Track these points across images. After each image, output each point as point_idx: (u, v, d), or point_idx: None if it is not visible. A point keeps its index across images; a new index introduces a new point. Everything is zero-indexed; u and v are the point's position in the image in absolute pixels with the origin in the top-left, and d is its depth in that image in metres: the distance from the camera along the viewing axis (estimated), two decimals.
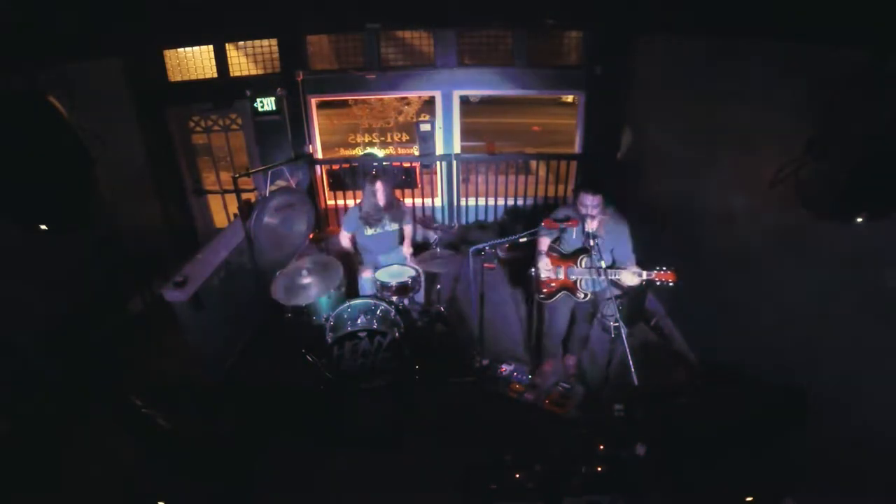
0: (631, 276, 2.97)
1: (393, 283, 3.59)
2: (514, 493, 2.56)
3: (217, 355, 3.84)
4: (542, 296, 3.41)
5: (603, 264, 2.92)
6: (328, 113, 7.16)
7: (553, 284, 3.33)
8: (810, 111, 1.79)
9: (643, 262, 3.08)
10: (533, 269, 3.43)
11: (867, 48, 1.64)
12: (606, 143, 5.60)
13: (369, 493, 2.84)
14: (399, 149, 6.92)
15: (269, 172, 4.08)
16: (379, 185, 3.78)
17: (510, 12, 5.07)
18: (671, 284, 2.94)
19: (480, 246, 3.26)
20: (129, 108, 5.20)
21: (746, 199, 3.11)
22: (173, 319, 3.50)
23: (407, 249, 4.09)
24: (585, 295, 3.29)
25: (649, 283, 2.99)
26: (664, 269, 2.94)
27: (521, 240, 3.27)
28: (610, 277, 2.99)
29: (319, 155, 6.21)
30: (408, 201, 5.92)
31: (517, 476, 2.59)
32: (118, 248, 4.60)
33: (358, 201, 3.99)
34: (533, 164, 8.04)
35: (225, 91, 5.62)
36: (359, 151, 6.90)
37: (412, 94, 6.25)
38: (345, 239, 4.01)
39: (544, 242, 3.37)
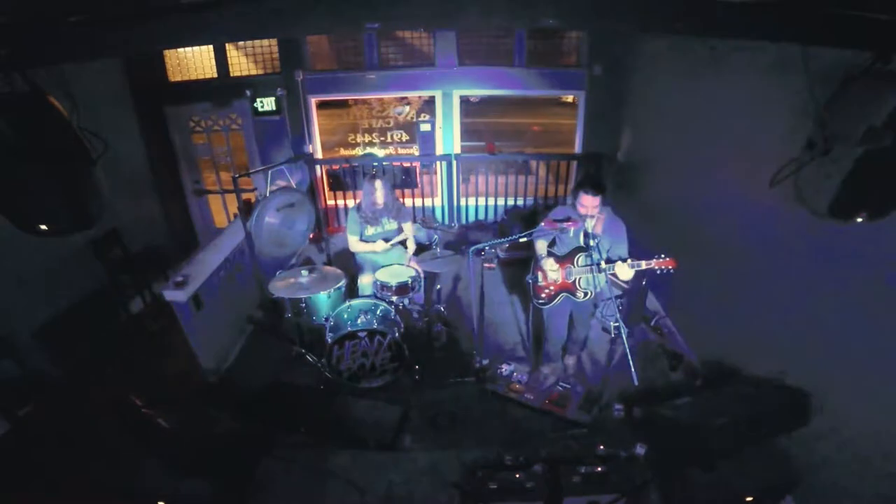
0: (626, 270, 2.93)
1: (393, 283, 3.58)
2: (514, 493, 2.56)
3: (217, 355, 3.84)
4: (541, 301, 3.38)
5: (603, 264, 2.93)
6: (328, 113, 7.16)
7: (552, 288, 3.29)
8: (809, 111, 1.79)
9: (642, 256, 3.07)
10: (530, 277, 3.40)
11: (868, 49, 1.64)
12: (606, 143, 5.60)
13: (369, 492, 2.83)
14: (399, 149, 6.90)
15: (269, 172, 4.08)
16: (377, 185, 3.77)
17: (511, 12, 5.06)
18: (671, 271, 2.91)
19: (480, 246, 3.25)
20: (129, 108, 5.20)
21: (746, 198, 3.11)
22: (173, 319, 3.50)
23: (410, 248, 4.08)
24: (586, 294, 3.25)
25: (650, 271, 2.96)
26: (663, 256, 2.92)
27: (522, 239, 3.26)
28: (608, 272, 2.98)
29: (319, 155, 6.21)
30: (408, 201, 5.91)
31: (517, 476, 2.59)
32: (118, 248, 4.60)
33: (357, 201, 3.98)
34: (533, 164, 8.02)
35: (225, 91, 5.63)
36: (359, 151, 6.88)
37: (412, 94, 6.24)
38: (355, 242, 3.96)
39: (542, 246, 3.32)
